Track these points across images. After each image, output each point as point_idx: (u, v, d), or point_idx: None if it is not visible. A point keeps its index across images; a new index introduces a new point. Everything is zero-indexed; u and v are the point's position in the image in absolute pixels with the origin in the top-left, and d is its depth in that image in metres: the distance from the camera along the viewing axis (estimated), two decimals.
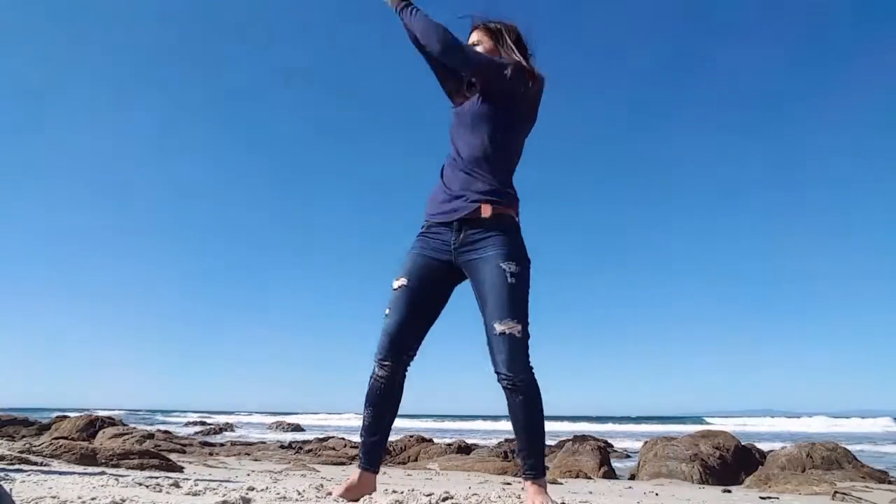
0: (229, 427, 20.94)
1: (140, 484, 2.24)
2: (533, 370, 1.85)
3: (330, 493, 1.97)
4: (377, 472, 2.02)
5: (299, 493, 1.95)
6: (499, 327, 1.82)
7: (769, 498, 4.47)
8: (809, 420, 34.23)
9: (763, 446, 7.87)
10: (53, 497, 1.69)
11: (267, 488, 2.11)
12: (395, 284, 1.97)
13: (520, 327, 1.83)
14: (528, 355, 1.84)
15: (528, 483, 1.86)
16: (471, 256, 1.91)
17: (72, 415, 12.44)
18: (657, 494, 4.65)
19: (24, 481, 2.21)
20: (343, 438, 12.53)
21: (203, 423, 23.98)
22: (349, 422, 33.33)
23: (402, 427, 24.95)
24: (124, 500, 1.71)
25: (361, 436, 1.99)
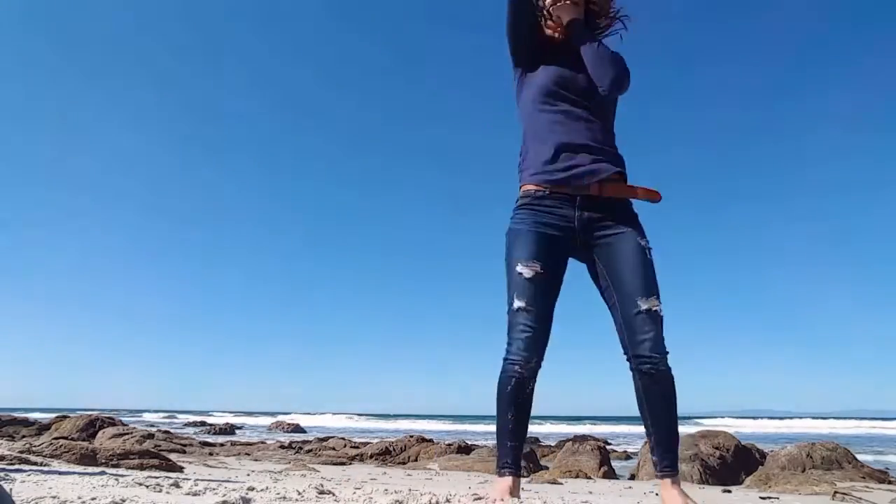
0: (229, 427, 20.93)
1: (140, 484, 2.24)
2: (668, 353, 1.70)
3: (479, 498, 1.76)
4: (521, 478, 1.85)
5: (299, 493, 1.94)
6: (644, 304, 1.67)
7: (769, 498, 4.47)
8: (810, 421, 34.18)
9: (763, 446, 7.86)
10: (53, 497, 1.68)
11: (267, 488, 2.11)
12: (527, 272, 1.74)
13: (661, 306, 1.69)
14: (665, 338, 1.69)
15: (668, 482, 1.66)
16: (600, 234, 1.76)
17: (72, 415, 12.43)
18: (657, 494, 4.64)
19: (24, 481, 2.21)
20: (343, 438, 12.52)
21: (203, 423, 23.97)
22: (349, 422, 33.33)
23: (402, 427, 25.00)
24: (124, 500, 1.71)
25: (507, 441, 1.78)
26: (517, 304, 1.75)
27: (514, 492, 1.73)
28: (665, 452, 1.68)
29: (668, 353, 1.68)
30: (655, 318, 1.68)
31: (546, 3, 1.89)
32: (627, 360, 1.73)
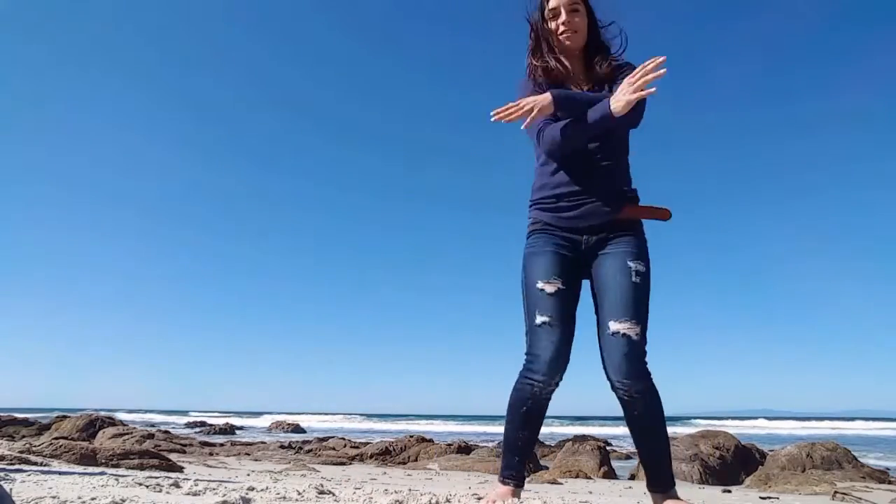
0: (229, 427, 20.92)
1: (140, 484, 2.24)
2: (651, 376, 1.67)
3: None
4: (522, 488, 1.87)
5: (299, 493, 1.94)
6: (614, 326, 1.66)
7: (769, 498, 4.47)
8: (810, 422, 34.18)
9: (763, 446, 7.86)
10: (53, 497, 1.68)
11: (267, 488, 2.11)
12: (549, 288, 1.74)
13: (638, 329, 1.66)
14: (645, 361, 1.67)
15: (658, 496, 1.71)
16: (602, 250, 1.77)
17: (72, 415, 12.42)
18: None
19: (24, 481, 2.21)
20: (343, 438, 12.52)
21: (203, 424, 23.96)
22: (349, 423, 33.32)
23: (402, 428, 24.99)
24: (124, 500, 1.71)
25: (515, 456, 1.78)
26: (539, 318, 1.73)
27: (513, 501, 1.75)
28: (652, 471, 1.72)
29: (646, 375, 1.66)
30: (628, 342, 1.64)
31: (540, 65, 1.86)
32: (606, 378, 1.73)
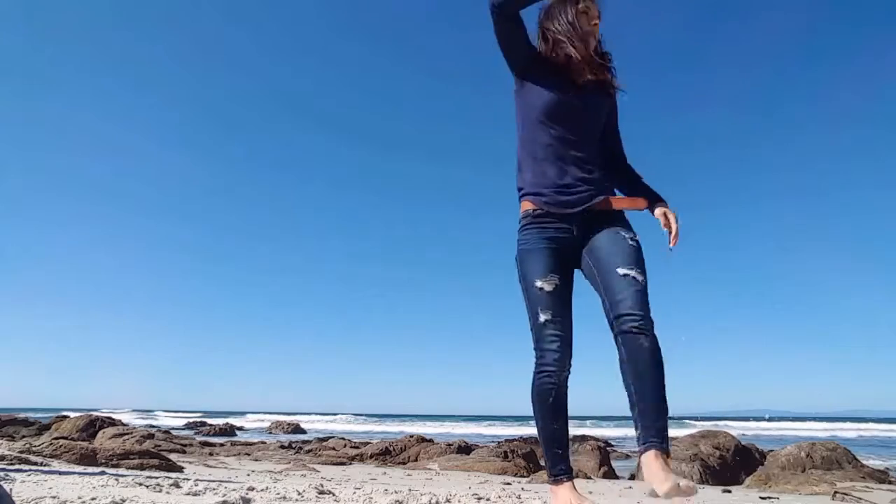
0: (229, 427, 20.92)
1: (140, 484, 2.24)
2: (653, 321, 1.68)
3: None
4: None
5: (299, 493, 1.94)
6: (623, 270, 1.70)
7: (769, 498, 4.47)
8: (811, 423, 34.18)
9: (763, 446, 7.86)
10: (53, 497, 1.69)
11: (267, 488, 2.11)
12: (547, 286, 1.81)
13: (644, 278, 1.71)
14: (650, 304, 1.68)
15: (651, 453, 1.56)
16: (591, 235, 1.83)
17: (72, 415, 12.43)
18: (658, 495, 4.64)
19: (24, 481, 2.21)
20: (343, 438, 12.53)
21: (203, 424, 23.96)
22: (349, 423, 33.34)
23: (402, 428, 24.99)
24: (124, 500, 1.71)
25: (558, 449, 1.82)
26: (542, 317, 1.80)
27: (576, 498, 1.76)
28: (652, 422, 1.58)
29: (653, 319, 1.65)
30: (637, 282, 1.68)
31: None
32: (611, 327, 1.70)
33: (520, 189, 1.94)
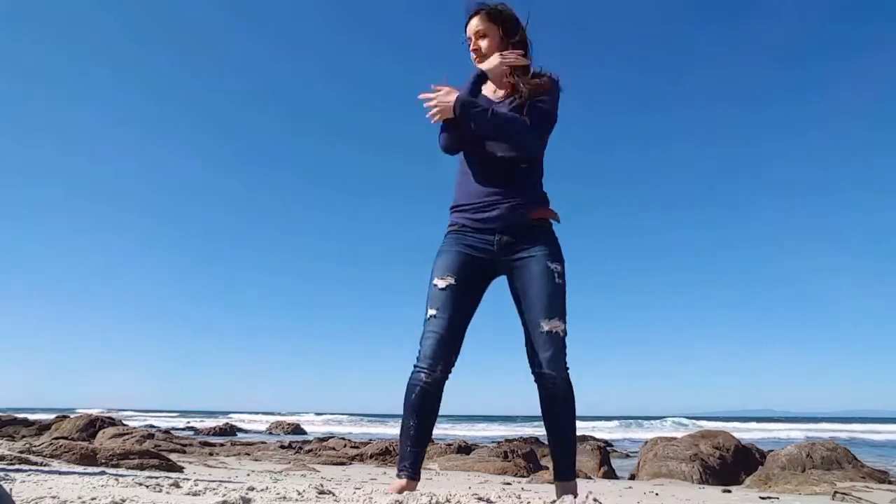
0: (229, 427, 20.92)
1: (140, 484, 2.24)
2: (568, 370, 1.86)
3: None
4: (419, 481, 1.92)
5: (299, 493, 1.94)
6: (546, 326, 1.82)
7: (769, 498, 4.48)
8: (810, 423, 34.17)
9: (763, 447, 7.86)
10: (53, 497, 1.69)
11: (267, 488, 2.11)
12: (441, 283, 1.89)
13: (563, 326, 1.85)
14: (566, 355, 1.85)
15: (560, 483, 1.87)
16: (516, 256, 1.90)
17: (72, 415, 12.42)
18: (657, 494, 4.65)
19: (24, 481, 2.21)
20: (343, 439, 12.52)
21: (203, 424, 23.95)
22: (349, 423, 33.33)
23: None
24: (124, 500, 1.71)
25: (407, 446, 1.87)
26: (430, 312, 1.88)
27: (410, 496, 1.80)
28: (559, 459, 1.88)
29: (567, 369, 1.84)
30: (555, 339, 1.82)
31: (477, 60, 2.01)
32: (531, 368, 1.87)
33: (451, 205, 2.04)
